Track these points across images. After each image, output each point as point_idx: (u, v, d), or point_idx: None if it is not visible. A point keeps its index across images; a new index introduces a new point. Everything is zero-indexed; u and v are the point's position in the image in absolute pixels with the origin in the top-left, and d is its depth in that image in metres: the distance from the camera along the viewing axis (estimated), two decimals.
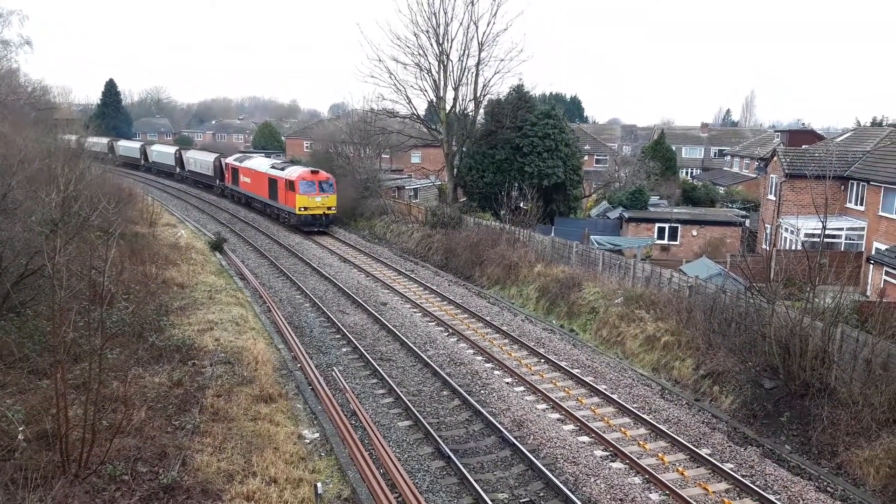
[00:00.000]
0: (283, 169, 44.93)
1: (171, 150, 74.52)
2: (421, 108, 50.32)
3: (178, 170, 68.51)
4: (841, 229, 34.41)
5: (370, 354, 20.97)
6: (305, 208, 41.35)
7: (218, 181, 57.74)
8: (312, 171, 42.49)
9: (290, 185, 41.93)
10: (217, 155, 61.40)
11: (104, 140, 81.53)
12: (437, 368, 19.84)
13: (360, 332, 23.53)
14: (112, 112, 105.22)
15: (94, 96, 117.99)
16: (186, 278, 27.87)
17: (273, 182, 45.12)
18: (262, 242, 39.20)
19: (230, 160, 55.06)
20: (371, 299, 27.61)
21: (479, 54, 44.38)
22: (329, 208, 42.38)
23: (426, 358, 20.73)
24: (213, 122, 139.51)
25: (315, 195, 41.71)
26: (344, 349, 21.86)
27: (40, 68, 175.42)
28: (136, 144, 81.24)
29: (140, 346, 18.60)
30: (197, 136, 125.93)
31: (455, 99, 45.64)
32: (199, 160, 64.08)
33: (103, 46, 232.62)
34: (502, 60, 46.48)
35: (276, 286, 29.61)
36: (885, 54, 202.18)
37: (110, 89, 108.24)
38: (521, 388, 18.82)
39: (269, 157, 60.48)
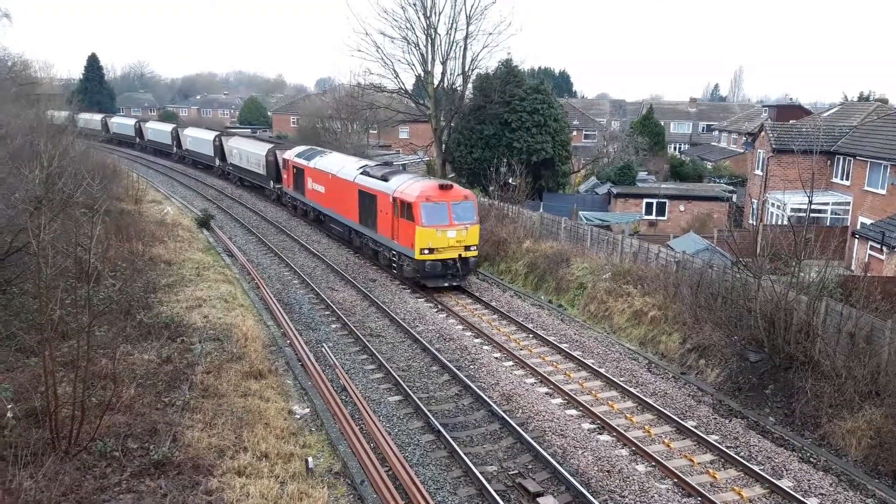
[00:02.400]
0: (385, 178, 27.55)
1: (168, 128, 69.56)
2: (409, 82, 49.96)
3: (175, 150, 63.44)
4: (827, 204, 34.68)
5: (360, 330, 21.02)
6: (431, 249, 24.80)
7: (272, 183, 43.35)
8: (441, 187, 25.46)
9: (406, 209, 25.09)
10: (216, 133, 54.88)
11: (97, 117, 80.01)
12: (426, 344, 19.93)
13: (350, 308, 23.55)
14: (95, 87, 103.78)
15: (76, 71, 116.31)
16: (174, 255, 27.71)
17: (368, 199, 28.36)
18: (250, 219, 38.94)
19: (292, 156, 38.94)
20: (360, 276, 27.59)
21: (467, 28, 44.09)
22: (468, 248, 25.43)
23: (416, 334, 20.81)
24: (199, 97, 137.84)
25: (447, 227, 24.88)
26: (333, 325, 21.88)
27: (20, 42, 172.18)
28: (130, 121, 77.83)
29: (128, 323, 18.54)
30: (182, 111, 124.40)
31: (443, 73, 45.39)
32: (199, 139, 58.35)
33: (84, 19, 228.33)
34: (490, 34, 46.30)
35: (265, 263, 29.51)
36: (874, 29, 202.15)
37: (93, 64, 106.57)
38: (510, 363, 18.96)
39: (322, 154, 38.51)
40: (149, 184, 47.69)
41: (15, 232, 17.35)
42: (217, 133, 55.56)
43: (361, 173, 29.71)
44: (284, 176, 40.49)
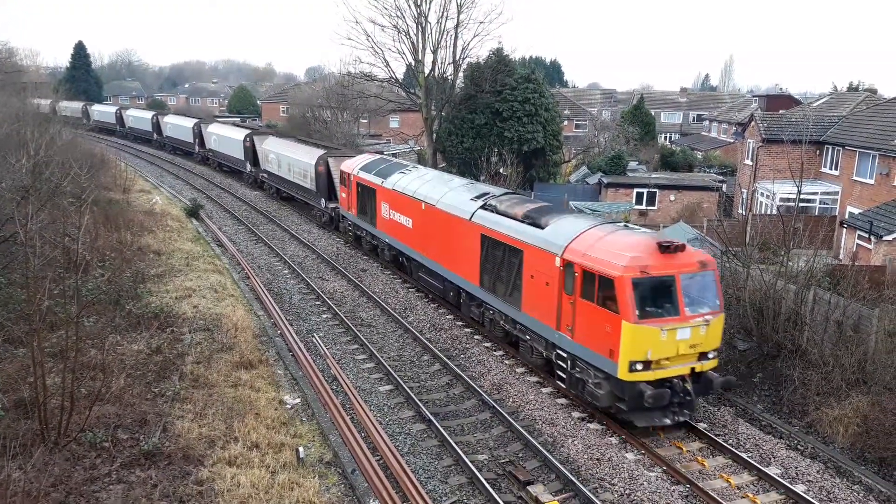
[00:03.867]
0: (536, 221, 17.33)
1: (149, 114, 68.72)
2: (399, 71, 49.69)
3: (197, 148, 55.92)
4: (815, 194, 34.86)
5: (350, 321, 21.00)
6: (648, 362, 14.01)
7: (322, 201, 33.60)
8: (663, 248, 14.34)
9: (596, 285, 14.50)
10: (248, 132, 45.63)
11: (78, 105, 79.35)
12: (417, 334, 19.94)
13: (340, 298, 23.52)
14: (82, 76, 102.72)
15: (62, 59, 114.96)
16: (163, 245, 27.58)
17: (502, 252, 18.21)
18: (239, 208, 38.75)
19: (355, 169, 28.65)
20: (351, 266, 27.54)
21: (458, 16, 43.86)
22: (704, 355, 14.64)
23: (406, 324, 20.81)
24: (187, 86, 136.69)
25: (676, 321, 14.08)
26: (324, 315, 21.85)
27: (5, 29, 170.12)
28: (111, 109, 77.57)
29: (117, 313, 18.47)
30: (170, 100, 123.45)
31: (434, 62, 45.18)
32: (224, 137, 49.59)
33: (71, 6, 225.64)
34: (481, 23, 45.94)
35: (254, 253, 29.39)
36: (864, 20, 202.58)
37: (79, 52, 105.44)
38: (500, 353, 19.00)
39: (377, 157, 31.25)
40: (137, 173, 47.36)
41: (2, 222, 17.18)
42: (247, 132, 46.56)
43: (485, 208, 19.29)
44: (343, 195, 30.56)
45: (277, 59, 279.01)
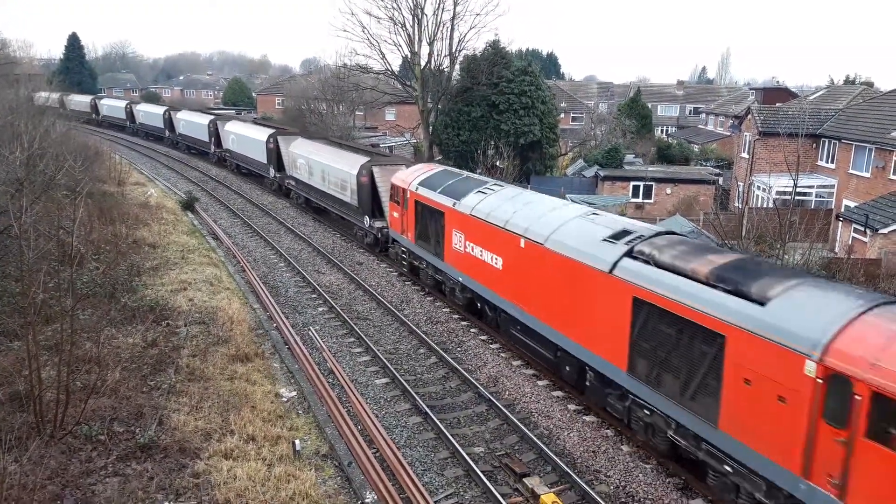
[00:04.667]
0: (745, 288, 11.10)
1: (160, 109, 62.48)
2: (395, 63, 49.69)
3: (213, 148, 51.33)
4: (812, 187, 34.93)
5: (346, 314, 20.98)
6: None
7: (366, 219, 28.03)
8: None
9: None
10: (271, 132, 40.54)
11: (87, 99, 77.74)
12: (413, 327, 19.94)
13: (336, 291, 23.50)
14: (76, 67, 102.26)
15: (56, 51, 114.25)
16: (158, 238, 27.51)
17: (698, 339, 11.60)
18: (235, 201, 38.63)
19: (412, 183, 23.35)
20: (347, 259, 27.51)
21: (455, 8, 43.78)
22: None
23: (402, 317, 20.81)
24: (182, 78, 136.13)
25: None
26: (320, 308, 21.83)
27: (5, 28, 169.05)
28: (121, 104, 72.15)
29: (112, 306, 18.43)
30: (165, 92, 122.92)
31: (430, 54, 45.11)
32: (244, 137, 44.67)
33: (69, 1, 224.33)
34: (478, 15, 46.08)
35: (250, 246, 29.33)
36: (860, 13, 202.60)
37: (73, 43, 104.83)
38: (497, 345, 19.01)
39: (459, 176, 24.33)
40: (132, 165, 47.18)
41: None
42: (271, 132, 41.01)
43: (633, 256, 13.55)
44: (394, 214, 24.88)
45: (273, 51, 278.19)
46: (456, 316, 21.31)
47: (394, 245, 25.95)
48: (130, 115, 68.45)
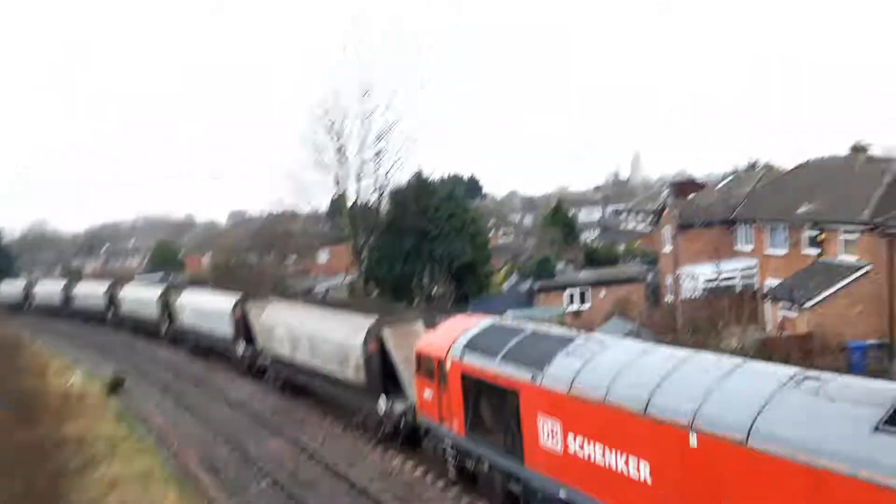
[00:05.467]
0: None
1: (101, 288, 55.84)
2: (324, 205, 50.43)
3: (165, 326, 44.82)
4: (735, 270, 35.94)
5: (293, 487, 19.52)
6: None
7: (381, 401, 21.34)
8: None
9: None
10: (236, 299, 34.55)
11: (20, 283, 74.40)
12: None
13: (280, 461, 22.01)
14: None
15: None
16: (84, 430, 25.63)
17: None
18: (163, 376, 36.54)
19: (452, 349, 16.79)
20: (285, 423, 25.96)
21: (378, 144, 45.46)
22: None
23: (351, 478, 19.49)
24: (104, 250, 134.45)
25: None
26: (263, 483, 20.29)
27: None
28: (56, 287, 65.97)
29: None
30: (87, 266, 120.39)
31: (357, 191, 46.29)
32: (202, 310, 38.12)
33: None
34: (399, 150, 47.64)
35: (184, 422, 27.55)
36: (758, 97, 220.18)
37: None
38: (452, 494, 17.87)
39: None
40: (53, 350, 44.86)
41: None
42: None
43: None
44: (426, 393, 18.29)
45: (197, 209, 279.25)
46: (409, 464, 20.08)
47: (428, 437, 18.98)
48: (66, 298, 62.28)
